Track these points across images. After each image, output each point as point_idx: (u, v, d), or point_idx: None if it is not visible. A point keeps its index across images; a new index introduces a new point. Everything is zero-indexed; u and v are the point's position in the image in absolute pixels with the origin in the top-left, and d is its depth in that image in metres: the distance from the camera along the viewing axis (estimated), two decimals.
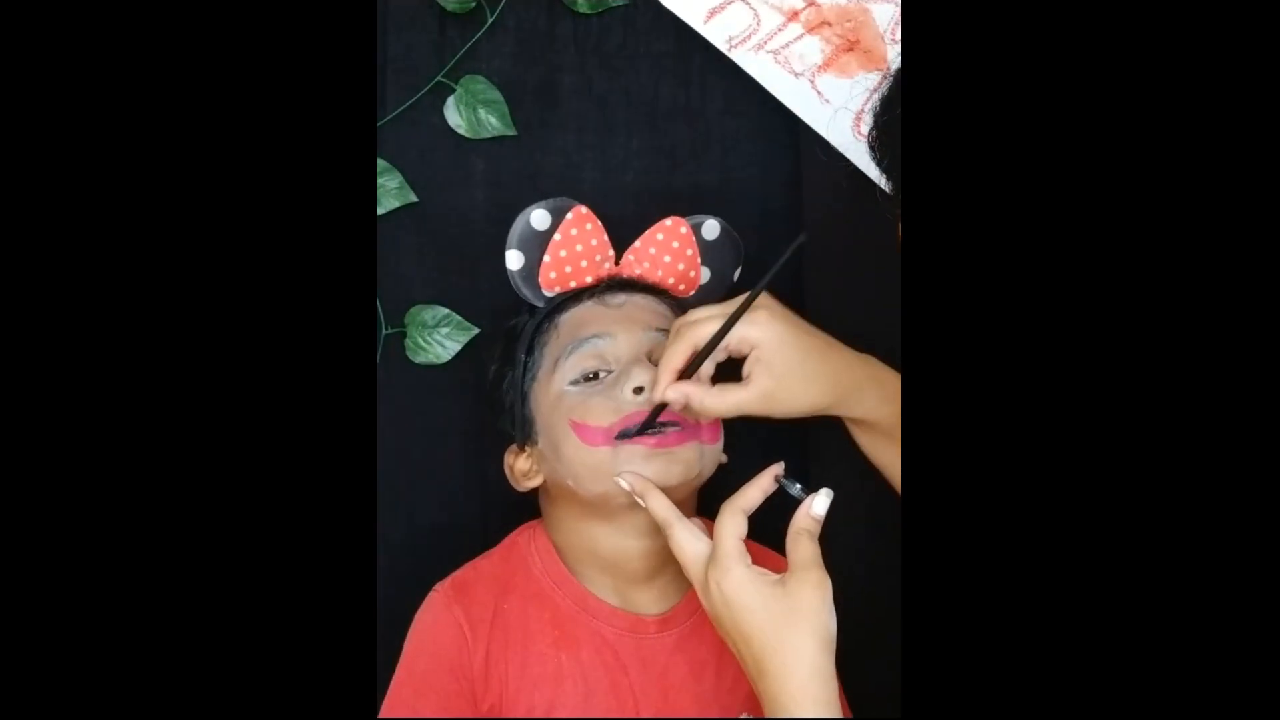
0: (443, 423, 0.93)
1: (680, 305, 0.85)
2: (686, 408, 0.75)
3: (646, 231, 0.84)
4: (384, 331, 0.91)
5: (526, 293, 0.84)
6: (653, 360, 0.78)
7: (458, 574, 0.82)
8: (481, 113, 0.90)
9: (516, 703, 0.76)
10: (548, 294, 0.83)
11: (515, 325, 0.85)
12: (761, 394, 0.75)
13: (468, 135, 0.91)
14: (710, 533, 0.72)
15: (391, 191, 0.90)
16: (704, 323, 0.75)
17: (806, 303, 0.94)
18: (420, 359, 0.92)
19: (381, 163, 0.90)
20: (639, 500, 0.74)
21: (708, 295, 0.87)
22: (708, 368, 0.76)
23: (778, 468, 0.74)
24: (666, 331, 0.79)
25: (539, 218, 0.83)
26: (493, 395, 0.85)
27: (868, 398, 0.79)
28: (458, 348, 0.91)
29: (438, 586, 0.80)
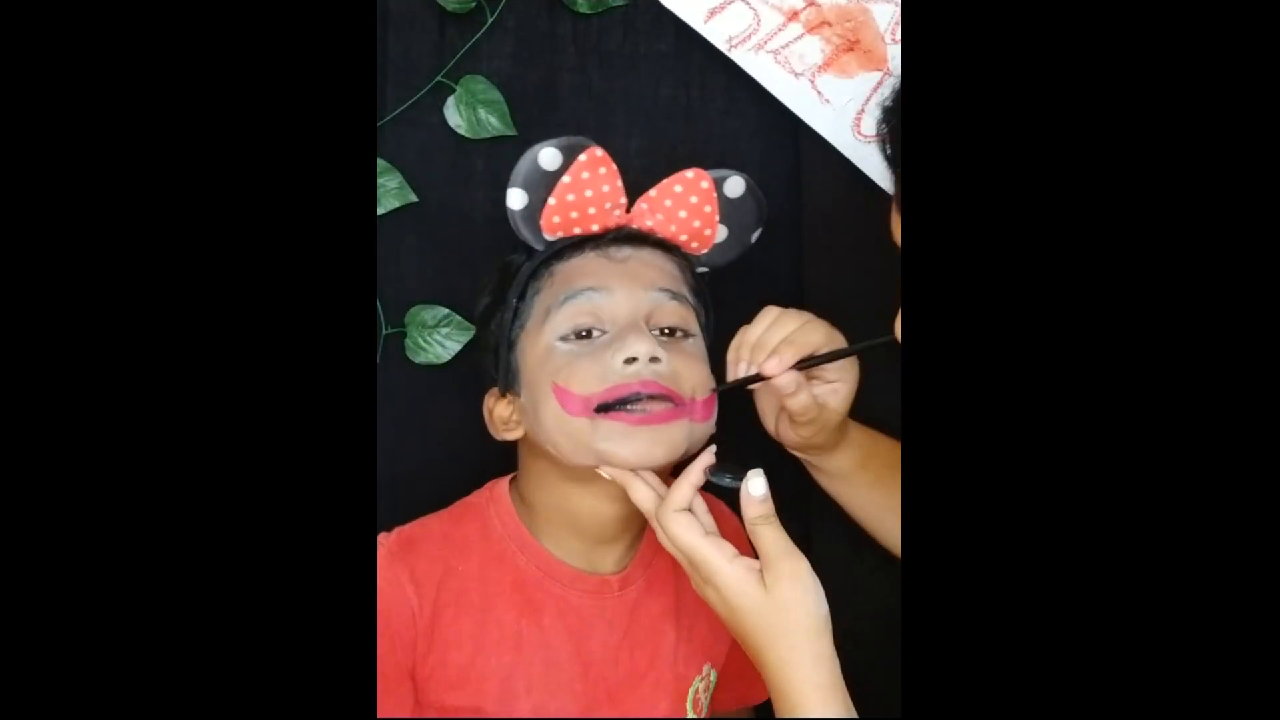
0: (443, 423, 0.93)
1: (691, 263, 0.81)
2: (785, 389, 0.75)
3: (664, 181, 0.79)
4: (384, 331, 0.91)
5: (526, 233, 0.78)
6: (650, 325, 0.74)
7: (404, 529, 0.78)
8: (481, 113, 0.90)
9: (472, 667, 0.75)
10: (549, 238, 0.78)
11: (511, 263, 0.80)
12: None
13: (468, 135, 0.91)
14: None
15: (391, 191, 0.90)
16: (813, 328, 0.77)
17: (807, 303, 0.94)
18: (420, 359, 0.92)
19: (381, 163, 0.90)
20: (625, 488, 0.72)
21: (721, 254, 0.82)
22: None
23: (707, 458, 0.71)
24: (669, 292, 0.76)
25: (548, 157, 0.76)
26: (480, 332, 0.82)
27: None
28: (458, 348, 0.91)
29: (382, 539, 0.77)
